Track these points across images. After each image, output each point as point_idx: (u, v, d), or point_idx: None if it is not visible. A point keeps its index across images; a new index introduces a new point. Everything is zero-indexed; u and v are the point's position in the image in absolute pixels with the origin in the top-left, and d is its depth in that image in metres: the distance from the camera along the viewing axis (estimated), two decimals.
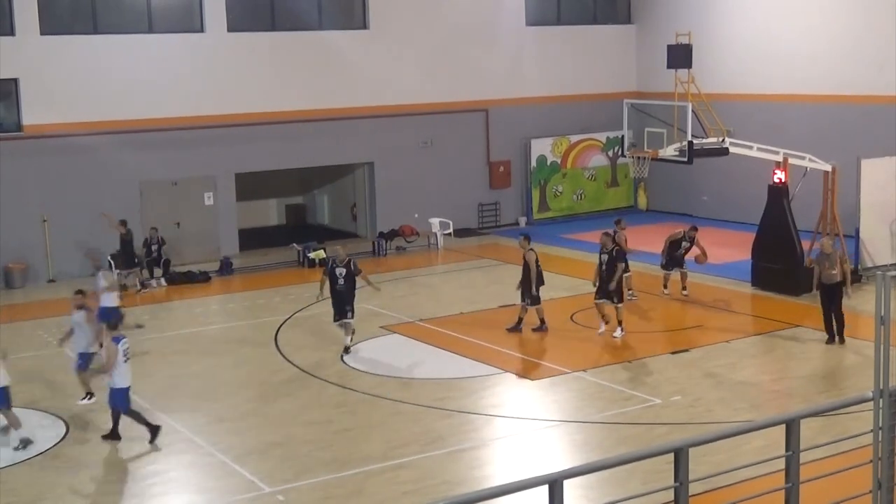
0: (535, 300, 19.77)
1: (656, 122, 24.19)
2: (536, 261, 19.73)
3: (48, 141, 25.56)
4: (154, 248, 25.38)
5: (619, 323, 19.40)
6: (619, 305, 19.41)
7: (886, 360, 8.17)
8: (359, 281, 19.19)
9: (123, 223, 24.60)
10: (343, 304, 18.83)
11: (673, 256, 22.46)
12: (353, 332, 19.08)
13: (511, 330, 19.82)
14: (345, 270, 18.82)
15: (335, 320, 19.07)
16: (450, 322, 20.87)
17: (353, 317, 18.91)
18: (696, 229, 22.71)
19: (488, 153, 31.79)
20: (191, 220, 27.80)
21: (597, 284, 19.62)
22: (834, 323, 18.56)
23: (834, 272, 18.37)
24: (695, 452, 7.97)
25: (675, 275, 22.45)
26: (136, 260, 24.93)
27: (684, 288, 22.45)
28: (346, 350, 18.81)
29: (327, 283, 19.17)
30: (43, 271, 25.76)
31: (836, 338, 18.49)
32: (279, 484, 13.23)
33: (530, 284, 19.67)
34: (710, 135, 23.88)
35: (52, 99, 25.70)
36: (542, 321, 19.92)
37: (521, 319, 19.89)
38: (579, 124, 32.90)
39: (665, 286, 22.51)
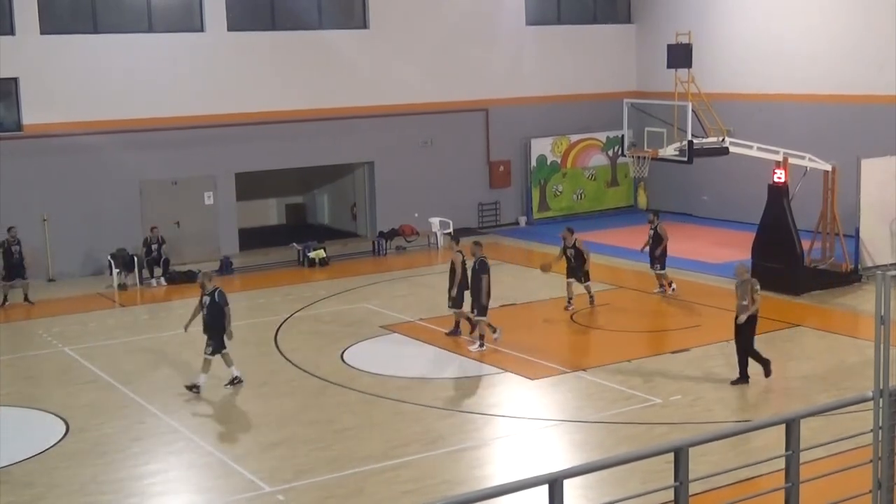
0: (456, 304, 19.40)
1: (656, 122, 24.19)
2: (463, 263, 19.40)
3: (48, 141, 25.55)
4: (154, 247, 25.41)
5: (480, 337, 18.72)
6: (480, 319, 18.77)
7: (886, 360, 8.18)
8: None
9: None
10: (207, 337, 16.95)
11: (652, 254, 22.52)
12: (232, 366, 16.99)
13: (468, 339, 19.34)
14: (209, 300, 16.87)
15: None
16: (450, 322, 20.81)
17: (212, 353, 16.81)
18: (656, 214, 22.70)
19: (488, 153, 31.78)
20: (191, 219, 27.78)
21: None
22: (751, 360, 16.47)
23: (744, 303, 16.17)
24: (695, 452, 7.97)
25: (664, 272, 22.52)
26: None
27: (662, 286, 22.50)
28: (192, 387, 16.82)
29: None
30: (43, 271, 25.74)
31: (741, 375, 16.41)
32: (279, 484, 13.23)
33: (454, 287, 19.29)
34: (710, 134, 23.87)
35: (52, 98, 25.68)
36: (457, 325, 19.60)
37: (473, 326, 19.24)
38: (579, 124, 32.88)
39: (669, 285, 22.52)
